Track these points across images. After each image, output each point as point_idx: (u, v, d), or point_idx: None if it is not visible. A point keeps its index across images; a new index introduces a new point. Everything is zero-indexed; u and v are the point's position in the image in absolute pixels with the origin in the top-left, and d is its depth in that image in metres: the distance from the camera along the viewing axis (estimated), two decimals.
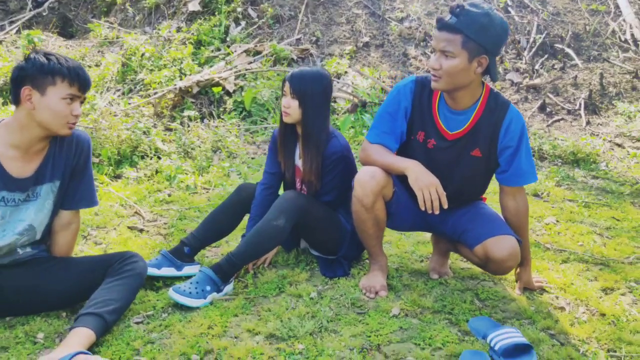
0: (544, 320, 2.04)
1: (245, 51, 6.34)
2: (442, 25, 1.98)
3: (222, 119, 5.19)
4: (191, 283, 2.19)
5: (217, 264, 2.24)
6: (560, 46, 6.47)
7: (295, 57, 6.25)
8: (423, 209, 2.01)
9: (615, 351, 1.87)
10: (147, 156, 4.25)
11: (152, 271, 2.31)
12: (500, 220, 2.19)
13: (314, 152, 2.39)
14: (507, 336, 1.79)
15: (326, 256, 2.55)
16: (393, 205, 2.25)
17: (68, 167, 2.06)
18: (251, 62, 6.14)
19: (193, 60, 6.19)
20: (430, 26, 6.73)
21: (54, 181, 2.04)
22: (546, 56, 6.40)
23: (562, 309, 2.15)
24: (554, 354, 1.82)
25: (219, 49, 6.45)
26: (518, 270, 2.30)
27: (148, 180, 3.88)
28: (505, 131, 2.10)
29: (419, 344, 1.89)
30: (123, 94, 5.80)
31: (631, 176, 3.94)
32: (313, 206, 2.39)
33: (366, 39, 6.55)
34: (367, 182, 2.15)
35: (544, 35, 6.57)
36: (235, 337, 1.95)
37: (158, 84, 5.64)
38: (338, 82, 5.59)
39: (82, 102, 1.98)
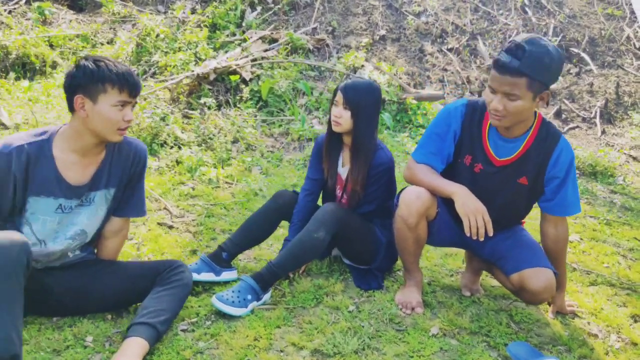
0: (579, 349, 2.10)
1: (260, 38, 6.28)
2: (503, 69, 1.94)
3: (239, 107, 5.17)
4: (233, 292, 2.22)
5: (259, 273, 2.27)
6: (575, 50, 6.48)
7: (311, 47, 6.21)
8: (468, 234, 2.04)
9: None
10: (167, 145, 4.24)
11: None
12: (539, 251, 2.23)
13: (362, 163, 2.42)
14: None
15: (359, 266, 2.59)
16: (435, 225, 2.29)
17: (125, 176, 2.08)
18: (267, 50, 6.09)
19: (208, 44, 6.14)
20: (447, 22, 6.71)
21: (108, 188, 2.06)
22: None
23: (595, 336, 2.22)
24: None
25: (234, 34, 6.39)
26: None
27: (170, 170, 3.88)
28: (554, 162, 2.12)
29: None
30: (138, 75, 5.73)
31: None
32: (351, 218, 2.43)
33: (383, 32, 6.51)
34: (413, 202, 2.18)
35: (559, 38, 6.58)
36: (281, 351, 1.99)
37: (173, 67, 5.59)
38: (355, 76, 5.57)
39: (133, 107, 1.99)
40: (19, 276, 1.70)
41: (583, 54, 6.41)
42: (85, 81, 1.86)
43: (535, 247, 2.25)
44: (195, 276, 2.36)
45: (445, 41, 6.48)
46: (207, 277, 2.41)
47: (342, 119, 2.40)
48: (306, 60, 5.79)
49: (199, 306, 2.24)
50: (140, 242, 2.79)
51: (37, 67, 5.79)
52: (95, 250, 2.19)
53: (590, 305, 2.43)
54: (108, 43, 6.41)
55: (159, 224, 3.04)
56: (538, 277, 2.11)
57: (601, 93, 5.85)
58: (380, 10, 6.79)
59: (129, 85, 1.90)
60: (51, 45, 6.12)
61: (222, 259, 2.47)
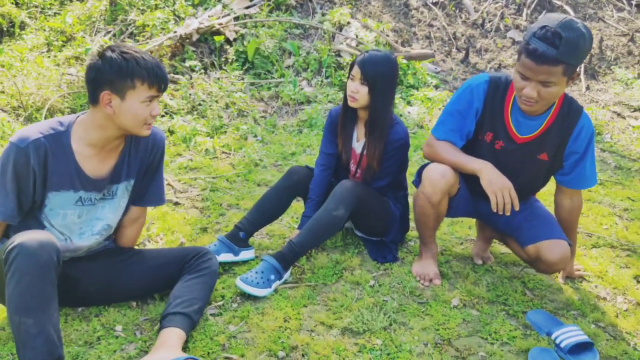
0: (592, 313, 2.22)
1: None
2: (541, 60, 1.88)
3: (225, 69, 5.03)
4: (257, 272, 2.23)
5: (280, 253, 2.29)
6: (558, 2, 6.47)
7: (294, 3, 6.02)
8: (495, 210, 2.08)
9: None
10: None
11: None
12: (554, 222, 2.29)
13: (378, 139, 2.42)
14: (572, 334, 1.95)
15: (371, 238, 2.63)
16: (454, 200, 2.32)
17: (143, 166, 2.03)
18: (249, 7, 5.88)
19: (186, 0, 5.88)
20: None
21: (129, 180, 2.01)
22: (544, 12, 6.40)
23: (604, 299, 2.34)
24: (611, 349, 2.00)
25: None
26: None
27: None
28: (575, 138, 2.14)
29: (486, 339, 2.04)
30: (114, 35, 5.49)
31: (635, 150, 4.14)
32: (368, 194, 2.44)
33: None
34: (438, 180, 2.20)
35: None
36: (312, 331, 2.04)
37: (152, 27, 5.36)
38: (341, 35, 5.45)
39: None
40: (51, 276, 1.68)
41: (566, 7, 6.40)
42: (113, 76, 1.77)
43: (550, 219, 2.31)
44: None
45: None
46: (226, 257, 2.41)
47: (359, 94, 2.36)
48: (292, 19, 5.62)
49: (223, 288, 2.25)
50: (150, 221, 2.75)
51: (5, 29, 5.47)
52: (114, 238, 2.16)
53: (595, 268, 2.55)
54: (78, 0, 6.08)
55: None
56: (554, 248, 2.18)
57: None
58: None
59: (158, 81, 1.82)
60: (17, 4, 5.76)
61: (239, 238, 2.47)
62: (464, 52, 5.73)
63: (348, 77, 2.42)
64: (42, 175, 1.82)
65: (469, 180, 2.29)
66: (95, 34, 5.50)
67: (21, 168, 1.78)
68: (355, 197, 2.36)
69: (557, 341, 1.96)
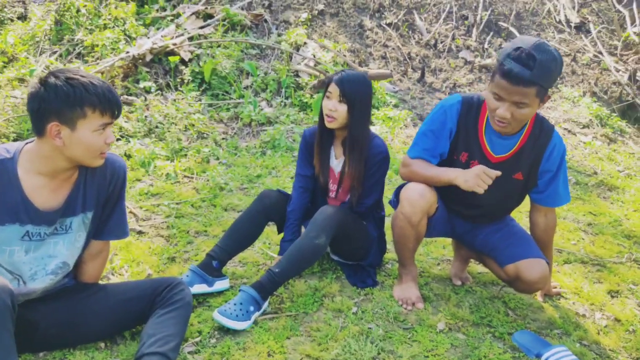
0: (575, 332, 2.22)
1: (194, 13, 5.93)
2: (515, 80, 1.88)
3: (181, 90, 4.88)
4: (235, 304, 2.11)
5: (259, 283, 2.17)
6: (504, 25, 6.72)
7: (249, 23, 5.96)
8: (482, 192, 2.03)
9: None
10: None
11: None
12: (531, 241, 2.29)
13: (357, 157, 2.37)
14: (561, 355, 1.94)
15: (347, 261, 2.56)
16: (432, 220, 2.29)
17: (102, 196, 1.85)
18: (203, 27, 5.76)
19: (137, 20, 5.70)
20: None
21: (85, 213, 1.83)
22: (491, 34, 6.64)
23: (584, 316, 2.35)
24: None
25: (164, 9, 5.99)
26: None
27: None
28: (548, 157, 2.17)
29: None
30: (61, 56, 5.23)
31: (589, 165, 4.29)
32: (348, 219, 2.38)
33: (321, 6, 6.37)
34: (417, 200, 2.16)
35: (489, 12, 6.78)
36: None
37: (102, 47, 5.15)
38: (299, 55, 5.43)
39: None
40: (7, 324, 1.52)
41: (512, 28, 6.66)
42: (60, 105, 1.61)
43: (527, 237, 2.32)
44: None
45: (383, 16, 6.47)
46: (200, 289, 2.27)
47: (337, 112, 2.31)
48: (249, 39, 5.55)
49: (199, 322, 2.11)
50: (113, 252, 2.57)
51: None
52: (74, 274, 1.98)
53: (571, 284, 2.58)
54: (19, 19, 5.78)
55: None
56: (534, 267, 2.18)
57: None
58: None
59: (111, 107, 1.68)
60: None
61: (212, 267, 2.33)
62: (419, 71, 5.83)
63: (324, 97, 2.36)
64: None
65: (446, 199, 2.28)
66: (40, 55, 5.22)
67: None
68: (336, 224, 2.28)
69: None
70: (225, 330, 2.07)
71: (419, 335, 2.12)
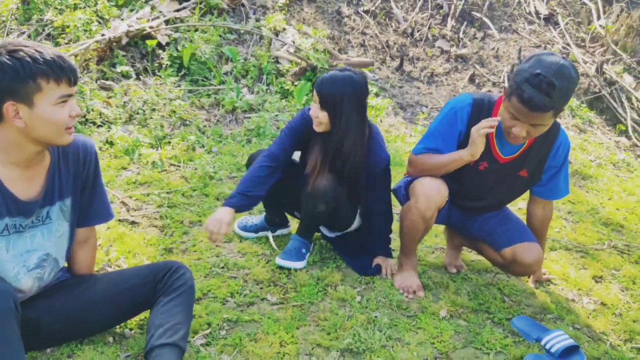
0: (568, 316, 2.33)
1: None
2: (534, 108, 1.91)
3: (159, 76, 4.77)
4: (290, 250, 2.48)
5: (299, 230, 2.55)
6: (478, 14, 6.84)
7: (226, 7, 5.85)
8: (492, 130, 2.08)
9: (632, 342, 2.23)
10: (92, 123, 3.81)
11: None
12: (525, 227, 2.39)
13: (346, 168, 2.31)
14: (560, 339, 2.04)
15: (332, 233, 2.64)
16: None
17: (78, 181, 1.77)
18: (179, 10, 5.63)
19: (109, 0, 5.51)
20: None
21: (63, 200, 1.75)
22: (465, 23, 6.74)
23: (573, 300, 2.48)
24: (594, 351, 2.12)
25: None
26: None
27: (103, 153, 3.51)
28: (554, 154, 2.23)
29: (481, 349, 2.07)
30: (29, 37, 5.01)
31: None
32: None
33: None
34: (434, 196, 2.21)
35: (463, 1, 6.88)
36: (311, 354, 1.96)
37: (73, 28, 4.96)
38: (279, 40, 5.38)
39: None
40: (12, 326, 1.48)
41: (485, 19, 6.78)
42: (10, 82, 1.48)
43: (521, 223, 2.41)
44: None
45: (360, 3, 6.47)
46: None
47: (319, 118, 2.25)
48: (229, 24, 5.46)
49: (207, 314, 2.11)
50: (108, 245, 2.52)
51: None
52: (67, 268, 1.93)
53: (559, 271, 2.70)
54: None
55: (119, 220, 2.77)
56: (530, 251, 2.27)
57: (506, 58, 6.29)
58: None
59: (65, 73, 1.53)
60: None
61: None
62: (397, 60, 5.88)
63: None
64: None
65: (451, 193, 2.33)
66: (7, 35, 4.98)
67: None
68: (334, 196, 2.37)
69: (547, 347, 2.05)
70: (234, 321, 2.08)
71: (423, 322, 2.19)
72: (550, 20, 7.19)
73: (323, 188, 2.34)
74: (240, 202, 2.27)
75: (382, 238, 2.55)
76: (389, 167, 2.44)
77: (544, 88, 1.89)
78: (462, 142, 2.23)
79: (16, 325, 1.50)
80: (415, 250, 2.43)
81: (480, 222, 2.44)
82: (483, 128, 2.07)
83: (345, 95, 2.21)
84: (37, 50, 1.51)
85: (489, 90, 5.79)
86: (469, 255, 2.79)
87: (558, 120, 2.36)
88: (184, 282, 1.87)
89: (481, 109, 2.19)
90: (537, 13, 7.36)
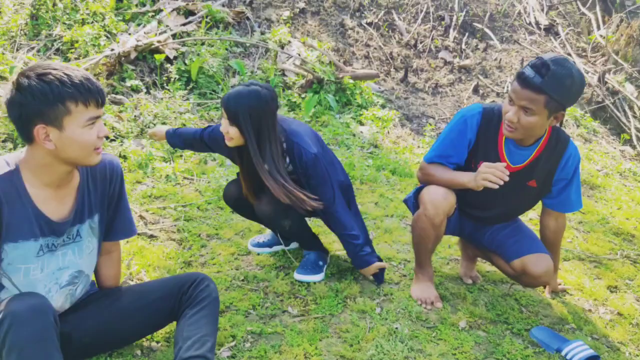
0: (586, 326, 2.36)
1: (175, 9, 5.84)
2: (525, 84, 1.99)
3: (168, 89, 4.81)
4: (307, 263, 2.55)
5: (308, 245, 2.63)
6: (479, 25, 6.92)
7: (232, 21, 5.91)
8: (496, 187, 2.09)
9: None
10: (106, 137, 3.84)
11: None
12: (536, 238, 2.42)
13: (271, 180, 2.24)
14: (580, 349, 2.07)
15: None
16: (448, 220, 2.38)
17: (105, 198, 1.82)
18: (185, 24, 5.69)
19: (116, 15, 5.57)
20: None
21: (92, 217, 1.79)
22: (467, 34, 6.82)
23: (590, 311, 2.50)
24: None
25: (143, 4, 5.86)
26: None
27: None
28: (563, 166, 2.27)
29: None
30: (39, 52, 5.06)
31: None
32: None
33: (302, 4, 6.39)
34: (441, 202, 2.24)
35: (464, 12, 6.96)
36: None
37: (82, 43, 5.01)
38: (284, 53, 5.44)
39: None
40: (54, 340, 1.52)
41: (486, 30, 6.86)
42: (39, 106, 1.51)
43: (532, 234, 2.45)
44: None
45: (364, 15, 6.54)
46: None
47: (230, 134, 2.22)
48: (235, 38, 5.52)
49: (231, 326, 2.14)
50: (129, 258, 2.55)
51: None
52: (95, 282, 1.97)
53: (573, 281, 2.73)
54: None
55: (137, 234, 2.79)
56: (539, 262, 2.29)
57: (508, 68, 6.35)
58: None
59: (93, 95, 1.56)
60: None
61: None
62: (401, 71, 5.94)
63: None
64: None
65: (460, 202, 2.37)
66: (17, 50, 5.03)
67: None
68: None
69: (568, 357, 2.07)
70: (258, 334, 2.11)
71: (443, 333, 2.21)
72: (550, 30, 7.27)
73: (268, 212, 2.39)
74: (171, 136, 2.74)
75: (348, 246, 2.45)
76: (319, 161, 2.31)
77: (538, 67, 1.99)
78: (472, 150, 2.27)
79: (57, 339, 1.53)
80: (429, 261, 2.46)
81: (491, 233, 2.47)
82: (489, 181, 2.07)
83: (252, 110, 2.18)
84: (65, 74, 1.53)
85: (493, 101, 5.84)
86: (484, 266, 2.82)
87: (565, 130, 2.39)
88: (209, 293, 1.89)
89: (491, 117, 2.24)
90: (537, 24, 7.44)
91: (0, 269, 1.61)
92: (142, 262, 2.55)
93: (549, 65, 1.98)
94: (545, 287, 2.60)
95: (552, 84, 1.98)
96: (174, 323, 1.92)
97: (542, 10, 7.61)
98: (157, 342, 2.01)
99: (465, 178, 2.20)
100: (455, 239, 2.90)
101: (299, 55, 5.49)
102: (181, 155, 3.86)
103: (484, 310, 2.40)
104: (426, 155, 2.35)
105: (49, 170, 1.62)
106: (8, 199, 1.56)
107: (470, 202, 2.38)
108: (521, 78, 2.02)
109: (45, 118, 1.53)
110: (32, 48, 5.07)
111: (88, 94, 1.55)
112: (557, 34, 7.20)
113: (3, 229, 1.57)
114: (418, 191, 2.41)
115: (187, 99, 4.76)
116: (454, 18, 6.85)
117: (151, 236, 2.81)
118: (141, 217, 2.96)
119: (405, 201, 2.58)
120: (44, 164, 1.61)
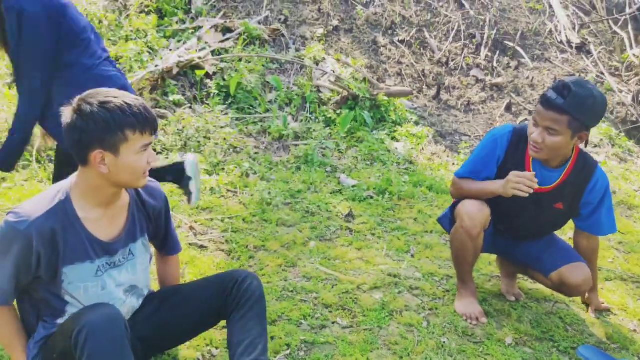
0: (632, 346, 2.39)
1: (214, 27, 6.02)
2: (548, 105, 2.11)
3: (207, 104, 4.96)
4: None
5: None
6: (510, 44, 6.97)
7: (267, 38, 6.07)
8: (528, 194, 2.18)
9: None
10: (153, 150, 3.99)
11: None
12: (571, 248, 2.49)
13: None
14: None
15: None
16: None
17: (153, 216, 1.93)
18: (223, 41, 5.86)
19: (158, 32, 5.77)
20: (394, 14, 6.87)
21: (144, 235, 1.90)
22: (498, 52, 6.87)
23: (635, 331, 2.52)
24: None
25: (183, 22, 6.06)
26: (587, 295, 2.62)
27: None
28: (590, 190, 2.33)
29: None
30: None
31: None
32: None
33: (335, 22, 6.52)
34: (477, 214, 2.32)
35: (495, 31, 7.02)
36: None
37: (126, 58, 5.20)
38: (319, 70, 5.56)
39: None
40: (127, 346, 1.61)
41: (518, 48, 6.91)
42: (100, 133, 1.59)
43: (566, 245, 2.52)
44: None
45: (396, 33, 6.65)
46: None
47: None
48: (273, 54, 5.67)
49: (285, 335, 2.21)
50: (183, 267, 2.65)
51: None
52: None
53: (617, 301, 2.75)
54: None
55: (188, 244, 2.90)
56: (576, 272, 2.36)
57: (540, 86, 6.38)
58: None
59: (150, 125, 1.66)
60: None
61: None
62: (434, 89, 6.01)
63: None
64: (51, 255, 1.66)
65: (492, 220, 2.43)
66: None
67: (22, 252, 1.61)
68: None
69: None
70: (311, 343, 2.18)
71: (490, 349, 2.26)
72: (582, 49, 7.28)
73: None
74: None
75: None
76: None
77: (560, 89, 2.10)
78: (501, 166, 2.36)
79: (130, 346, 1.62)
80: (471, 276, 2.51)
81: (525, 247, 2.53)
82: (519, 190, 2.16)
83: None
84: (125, 102, 1.62)
85: (525, 119, 5.87)
86: (526, 283, 2.85)
87: (596, 156, 2.46)
88: (252, 293, 1.90)
89: (520, 137, 2.33)
90: (568, 42, 7.46)
91: (62, 289, 1.71)
92: (194, 271, 2.66)
93: (571, 87, 2.09)
94: (588, 306, 2.62)
95: (574, 104, 2.08)
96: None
97: (574, 28, 7.62)
98: (216, 347, 2.10)
99: (494, 186, 2.29)
100: (494, 257, 2.95)
101: (334, 72, 5.60)
102: (223, 169, 3.98)
103: (529, 327, 2.44)
104: (458, 171, 2.45)
105: (99, 192, 1.71)
106: (62, 229, 1.66)
107: (501, 220, 2.45)
108: (544, 100, 2.13)
109: (104, 144, 1.61)
110: None
111: (145, 122, 1.64)
112: (589, 52, 7.20)
113: (60, 256, 1.67)
114: (453, 207, 2.48)
115: (226, 114, 4.90)
116: (485, 36, 6.91)
117: (201, 247, 2.92)
118: (191, 227, 3.07)
119: (440, 220, 2.65)
120: (95, 186, 1.70)
